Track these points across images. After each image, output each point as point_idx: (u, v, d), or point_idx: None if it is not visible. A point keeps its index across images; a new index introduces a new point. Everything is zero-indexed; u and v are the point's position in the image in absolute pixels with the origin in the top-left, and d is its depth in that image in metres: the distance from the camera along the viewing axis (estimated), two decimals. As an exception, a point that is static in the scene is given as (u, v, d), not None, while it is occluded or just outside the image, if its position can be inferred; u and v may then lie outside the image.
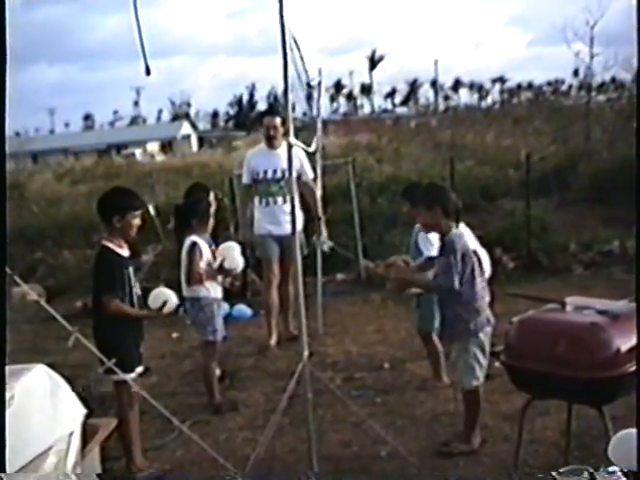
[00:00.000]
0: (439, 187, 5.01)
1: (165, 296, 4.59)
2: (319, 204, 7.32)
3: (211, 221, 5.86)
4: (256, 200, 7.16)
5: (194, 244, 5.63)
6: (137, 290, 4.60)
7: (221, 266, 5.70)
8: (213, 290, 5.75)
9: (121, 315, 4.44)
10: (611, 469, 2.01)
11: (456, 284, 4.41)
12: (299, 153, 6.50)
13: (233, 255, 5.75)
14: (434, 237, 5.08)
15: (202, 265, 5.64)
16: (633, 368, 3.33)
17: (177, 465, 4.83)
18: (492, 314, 4.66)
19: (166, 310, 4.57)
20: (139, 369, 4.61)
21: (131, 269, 4.56)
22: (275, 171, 6.97)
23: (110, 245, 4.49)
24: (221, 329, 5.80)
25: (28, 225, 12.82)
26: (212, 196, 6.43)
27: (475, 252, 4.55)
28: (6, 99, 2.10)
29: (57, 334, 6.95)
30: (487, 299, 4.64)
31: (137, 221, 4.56)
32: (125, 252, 4.56)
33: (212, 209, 6.00)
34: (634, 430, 2.35)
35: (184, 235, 5.74)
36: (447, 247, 4.51)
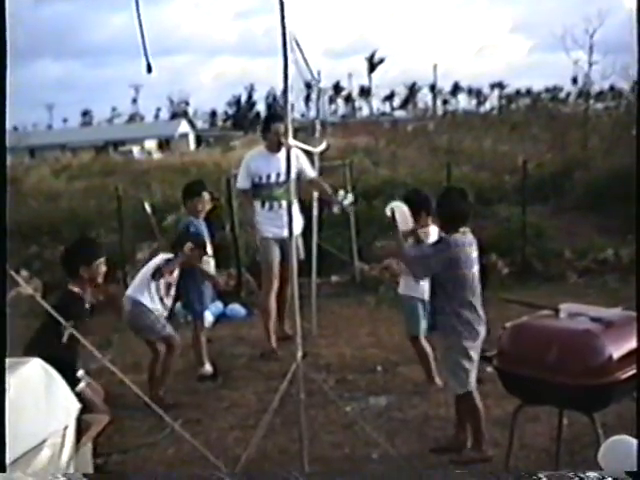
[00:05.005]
0: (452, 191, 4.95)
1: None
2: (329, 190, 7.14)
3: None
4: (257, 204, 7.03)
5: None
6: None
7: None
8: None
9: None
10: (601, 474, 2.02)
11: (421, 276, 4.71)
12: (299, 154, 6.48)
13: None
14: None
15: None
16: (625, 375, 3.35)
17: (168, 463, 4.84)
18: (485, 327, 4.67)
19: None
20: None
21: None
22: (278, 175, 6.82)
23: (75, 290, 4.73)
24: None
25: (24, 220, 12.78)
26: (207, 196, 6.49)
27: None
28: (6, 96, 2.10)
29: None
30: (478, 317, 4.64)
31: (103, 267, 4.83)
32: (87, 297, 4.78)
33: (206, 208, 6.47)
34: (624, 437, 2.36)
35: None
36: (442, 243, 4.59)
